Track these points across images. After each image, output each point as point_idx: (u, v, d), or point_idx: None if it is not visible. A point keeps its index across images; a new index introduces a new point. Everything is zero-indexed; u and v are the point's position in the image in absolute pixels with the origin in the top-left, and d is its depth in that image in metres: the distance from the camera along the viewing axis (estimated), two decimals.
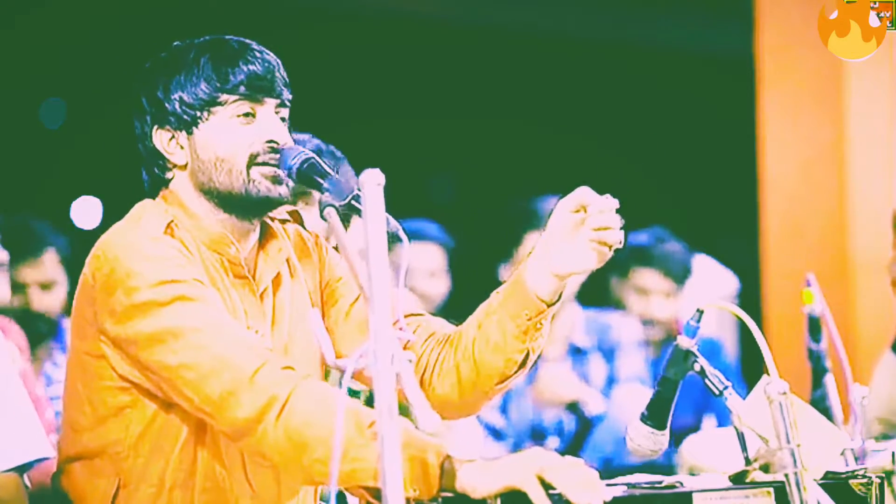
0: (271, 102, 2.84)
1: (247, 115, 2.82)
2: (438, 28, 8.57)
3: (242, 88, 2.80)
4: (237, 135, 2.81)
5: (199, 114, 2.81)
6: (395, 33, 8.15)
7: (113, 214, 2.91)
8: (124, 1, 7.25)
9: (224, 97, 2.81)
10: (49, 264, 4.70)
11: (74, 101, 7.92)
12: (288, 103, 2.87)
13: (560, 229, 2.77)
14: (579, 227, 2.74)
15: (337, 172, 2.79)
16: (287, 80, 2.87)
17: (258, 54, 2.84)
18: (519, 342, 2.82)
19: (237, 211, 2.84)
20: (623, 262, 5.58)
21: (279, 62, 2.87)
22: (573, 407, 5.05)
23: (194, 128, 2.81)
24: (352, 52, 7.87)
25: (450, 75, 8.31)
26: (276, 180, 2.81)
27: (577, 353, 5.16)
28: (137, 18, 6.85)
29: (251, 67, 2.81)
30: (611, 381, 5.16)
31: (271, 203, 2.83)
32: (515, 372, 2.86)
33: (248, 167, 2.81)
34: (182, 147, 2.83)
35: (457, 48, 8.36)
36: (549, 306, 2.81)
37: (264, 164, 2.81)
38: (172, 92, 2.81)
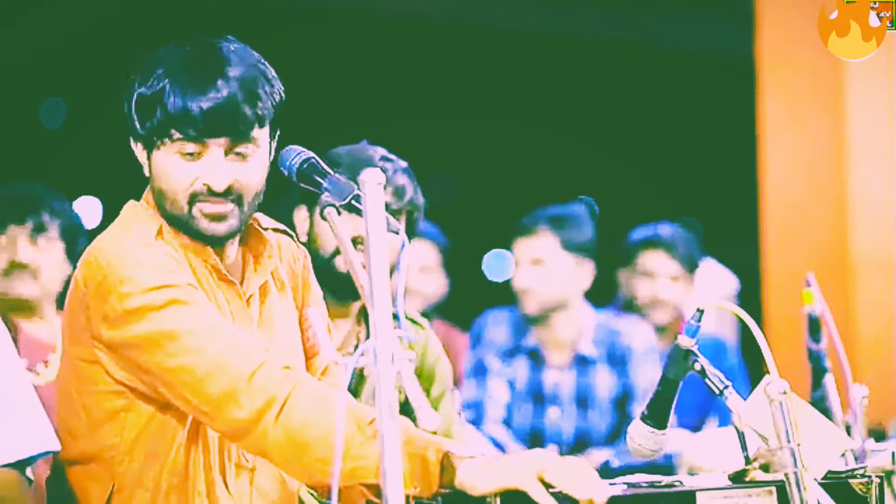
0: (221, 142, 2.77)
1: (191, 154, 2.77)
2: (438, 28, 8.57)
3: (191, 130, 2.74)
4: (179, 172, 2.77)
5: (154, 139, 2.78)
6: (395, 33, 8.15)
7: (113, 214, 2.90)
8: (124, 1, 7.25)
9: (174, 132, 2.76)
10: None
11: (74, 101, 7.92)
12: (250, 137, 2.78)
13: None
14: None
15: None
16: (257, 109, 2.77)
17: (221, 86, 2.75)
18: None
19: (191, 235, 2.83)
20: (629, 251, 5.57)
21: (246, 90, 2.76)
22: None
23: (154, 150, 2.80)
24: (352, 52, 7.87)
25: (450, 75, 8.31)
26: (217, 218, 2.79)
27: (582, 362, 5.09)
28: (137, 18, 6.84)
29: (205, 106, 2.73)
30: (617, 393, 5.08)
31: (215, 240, 2.81)
32: None
33: (190, 207, 2.79)
34: (145, 163, 2.83)
35: (457, 48, 8.36)
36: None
37: (204, 202, 2.79)
38: (138, 109, 2.79)
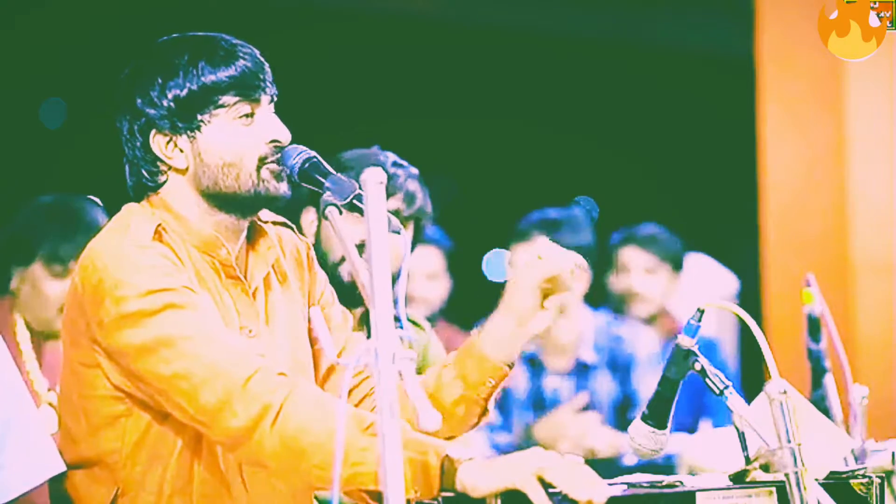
0: (266, 100, 2.82)
1: (247, 115, 2.80)
2: (438, 28, 8.57)
3: (242, 90, 2.78)
4: (241, 138, 2.78)
5: (200, 117, 2.77)
6: (395, 33, 8.15)
7: (113, 214, 2.89)
8: (124, 1, 7.25)
9: (224, 99, 2.77)
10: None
11: (74, 101, 7.91)
12: (276, 98, 2.86)
13: (521, 278, 2.78)
14: (539, 285, 2.77)
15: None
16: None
17: (248, 52, 2.81)
18: (478, 408, 2.85)
19: (238, 211, 2.82)
20: (610, 253, 5.62)
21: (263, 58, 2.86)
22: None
23: (197, 132, 2.78)
24: (352, 52, 7.87)
25: (450, 75, 8.31)
26: (280, 177, 2.81)
27: (583, 369, 5.06)
28: (137, 19, 6.84)
29: (246, 67, 2.79)
30: (618, 400, 5.06)
31: (276, 201, 2.82)
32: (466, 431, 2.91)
33: (258, 169, 2.79)
34: (182, 151, 2.79)
35: (457, 48, 8.35)
36: (511, 368, 2.83)
37: (270, 162, 2.80)
38: (169, 95, 2.77)
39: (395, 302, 2.80)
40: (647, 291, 5.53)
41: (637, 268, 5.55)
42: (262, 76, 2.81)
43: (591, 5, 8.85)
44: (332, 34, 7.90)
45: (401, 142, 3.70)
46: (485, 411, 2.86)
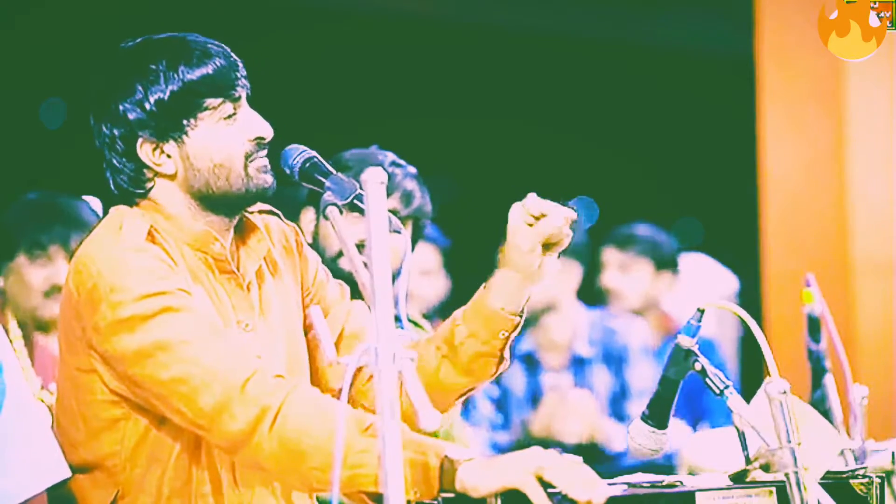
0: (244, 96, 2.82)
1: (230, 115, 2.79)
2: (438, 28, 8.57)
3: (222, 89, 2.77)
4: (227, 138, 2.78)
5: (186, 122, 2.76)
6: (395, 33, 8.15)
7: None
8: (124, 1, 7.25)
9: (209, 101, 2.77)
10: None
11: (74, 101, 7.90)
12: (249, 93, 2.85)
13: (522, 241, 2.79)
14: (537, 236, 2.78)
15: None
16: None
17: (219, 49, 2.81)
18: (495, 359, 2.87)
19: (228, 211, 2.82)
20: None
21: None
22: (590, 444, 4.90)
23: (184, 136, 2.77)
24: (351, 52, 7.87)
25: (449, 75, 8.30)
26: (266, 170, 2.81)
27: (578, 363, 5.08)
28: (137, 19, 6.84)
29: (222, 64, 2.78)
30: (616, 393, 5.07)
31: (265, 194, 2.82)
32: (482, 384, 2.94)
33: (246, 167, 2.79)
34: (170, 157, 2.78)
35: (457, 48, 8.35)
36: (521, 317, 2.84)
37: (255, 158, 2.80)
38: (152, 100, 2.76)
39: (396, 302, 2.81)
40: (620, 288, 5.60)
41: (611, 265, 5.62)
42: (236, 73, 2.81)
43: (591, 5, 8.85)
44: (332, 34, 7.90)
45: (400, 142, 3.70)
46: (502, 359, 2.88)
